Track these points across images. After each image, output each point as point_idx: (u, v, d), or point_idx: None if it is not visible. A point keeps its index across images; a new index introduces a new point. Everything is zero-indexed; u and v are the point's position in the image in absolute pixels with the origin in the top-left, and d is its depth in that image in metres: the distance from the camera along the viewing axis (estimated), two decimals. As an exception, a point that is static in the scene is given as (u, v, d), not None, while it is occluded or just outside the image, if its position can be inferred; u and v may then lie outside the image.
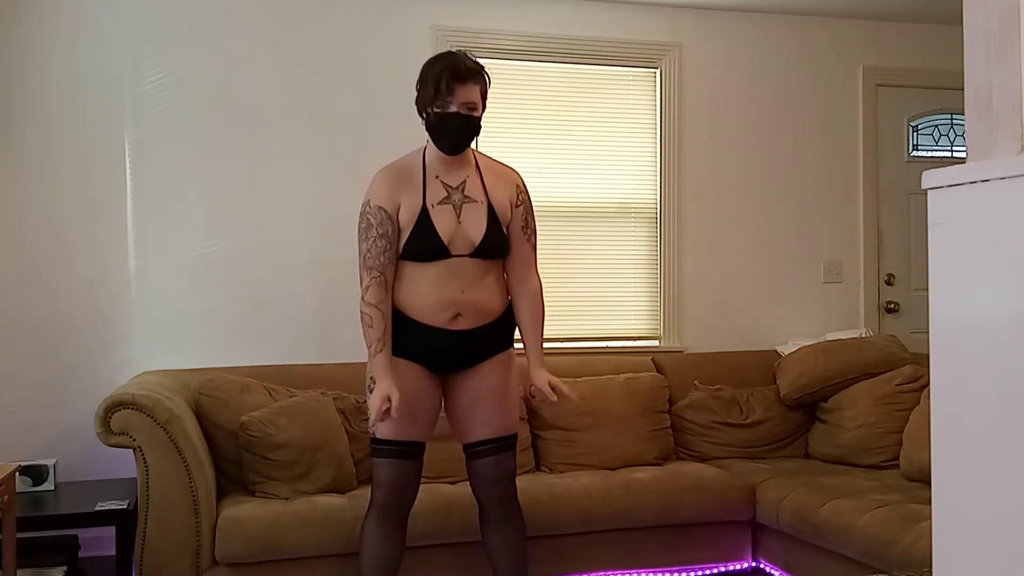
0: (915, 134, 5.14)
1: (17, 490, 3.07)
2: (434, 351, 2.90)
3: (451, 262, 2.85)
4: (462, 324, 2.88)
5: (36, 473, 3.60)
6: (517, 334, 3.07)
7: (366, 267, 2.86)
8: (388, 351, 2.85)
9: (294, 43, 4.25)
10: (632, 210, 4.70)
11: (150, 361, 3.98)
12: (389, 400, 2.77)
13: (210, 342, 4.11)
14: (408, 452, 2.93)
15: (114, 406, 3.21)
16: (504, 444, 3.00)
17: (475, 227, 2.88)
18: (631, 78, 4.70)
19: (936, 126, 5.18)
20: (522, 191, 3.03)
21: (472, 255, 2.87)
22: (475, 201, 2.91)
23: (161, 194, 4.10)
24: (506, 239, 2.96)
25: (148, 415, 3.22)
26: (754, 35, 4.85)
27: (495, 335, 2.97)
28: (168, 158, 4.11)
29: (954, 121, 5.19)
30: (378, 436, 2.91)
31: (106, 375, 3.91)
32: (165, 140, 4.11)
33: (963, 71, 1.39)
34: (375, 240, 2.84)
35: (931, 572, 1.39)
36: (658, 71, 4.71)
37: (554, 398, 2.95)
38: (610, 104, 4.65)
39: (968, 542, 1.35)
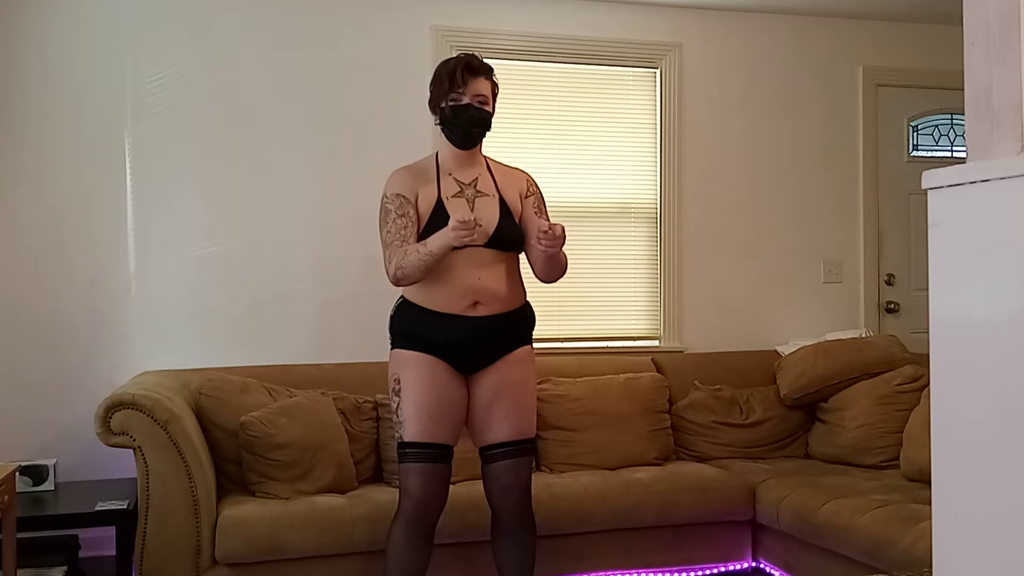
0: (915, 134, 5.13)
1: (17, 490, 3.07)
2: (455, 342, 2.90)
3: (466, 251, 2.87)
4: (481, 311, 2.91)
5: (36, 473, 3.60)
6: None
7: (388, 245, 2.89)
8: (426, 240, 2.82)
9: (294, 43, 4.25)
10: (632, 210, 4.70)
11: (150, 361, 3.98)
12: (464, 220, 2.67)
13: (210, 342, 4.10)
14: (437, 455, 2.89)
15: (114, 406, 3.21)
16: (521, 449, 2.99)
17: (488, 218, 2.94)
18: (631, 78, 4.70)
19: (936, 126, 5.18)
20: (532, 184, 3.14)
21: (487, 245, 2.91)
22: (487, 195, 3.00)
23: (161, 194, 4.10)
24: (519, 231, 3.01)
25: (148, 415, 3.22)
26: (754, 35, 4.85)
27: (514, 326, 3.00)
28: (168, 157, 4.11)
29: (954, 121, 5.19)
30: (405, 439, 2.88)
31: (106, 375, 3.91)
32: (165, 140, 4.10)
33: (963, 71, 1.39)
34: (395, 220, 2.90)
35: (931, 572, 1.39)
36: (658, 71, 4.71)
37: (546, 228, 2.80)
38: (610, 104, 4.65)
39: (968, 542, 1.35)
